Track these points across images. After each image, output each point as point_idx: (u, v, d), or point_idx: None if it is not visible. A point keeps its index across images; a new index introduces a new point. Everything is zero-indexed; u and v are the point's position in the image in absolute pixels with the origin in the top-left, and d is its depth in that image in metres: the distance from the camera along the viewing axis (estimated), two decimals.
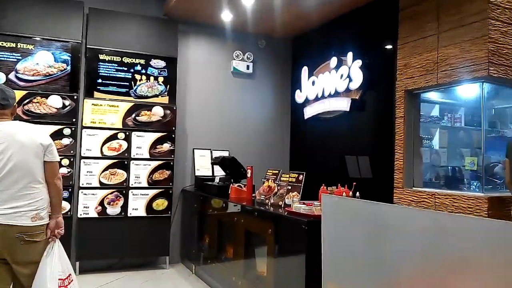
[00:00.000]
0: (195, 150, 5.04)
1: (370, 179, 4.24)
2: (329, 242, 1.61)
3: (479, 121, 4.18)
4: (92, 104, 4.49)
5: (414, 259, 1.18)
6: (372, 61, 4.26)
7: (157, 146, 4.66)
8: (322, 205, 1.65)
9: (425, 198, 3.58)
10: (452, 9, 3.42)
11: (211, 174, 4.92)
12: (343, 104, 4.54)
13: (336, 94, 4.63)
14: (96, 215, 4.41)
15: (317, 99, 4.97)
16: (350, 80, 4.39)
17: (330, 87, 4.69)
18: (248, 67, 5.35)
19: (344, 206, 1.58)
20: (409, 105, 3.87)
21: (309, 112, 5.14)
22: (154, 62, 4.72)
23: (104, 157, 4.48)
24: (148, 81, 4.70)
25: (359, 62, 4.31)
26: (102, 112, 4.52)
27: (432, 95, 4.33)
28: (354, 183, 3.24)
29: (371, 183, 4.20)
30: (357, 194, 3.18)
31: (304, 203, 3.12)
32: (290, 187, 3.50)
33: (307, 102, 5.17)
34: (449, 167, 4.58)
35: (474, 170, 4.02)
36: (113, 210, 4.47)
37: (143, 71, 4.69)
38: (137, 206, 4.57)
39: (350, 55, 4.42)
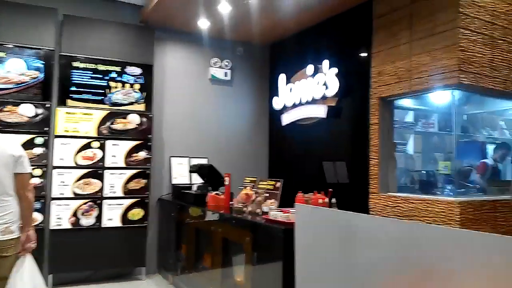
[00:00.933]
0: (172, 158, 4.98)
1: (347, 184, 4.29)
2: (302, 251, 1.61)
3: (451, 126, 4.31)
4: (66, 112, 4.39)
5: (385, 268, 1.18)
6: (347, 69, 4.32)
7: (133, 155, 4.58)
8: (295, 215, 1.65)
9: (399, 203, 3.63)
10: (424, 18, 3.51)
11: (188, 182, 4.87)
12: (320, 111, 4.58)
13: (313, 101, 4.67)
14: (69, 226, 4.29)
15: (294, 106, 5.00)
16: (327, 88, 4.44)
17: (307, 94, 4.73)
18: (226, 74, 5.34)
19: (317, 215, 1.59)
20: (383, 112, 3.93)
21: (286, 119, 5.16)
22: (129, 69, 4.66)
23: (78, 166, 4.38)
24: (124, 88, 4.63)
25: (335, 70, 4.36)
26: (76, 120, 4.42)
27: (406, 102, 4.43)
28: (330, 190, 3.27)
29: (348, 188, 4.24)
30: (333, 200, 3.21)
31: (281, 211, 3.12)
32: (267, 195, 3.50)
33: (284, 109, 5.20)
34: (424, 172, 4.68)
35: (448, 174, 4.12)
36: (87, 221, 4.36)
37: (119, 79, 4.62)
38: (112, 216, 4.47)
39: (326, 62, 4.47)
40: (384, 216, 3.74)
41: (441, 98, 4.09)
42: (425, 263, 1.10)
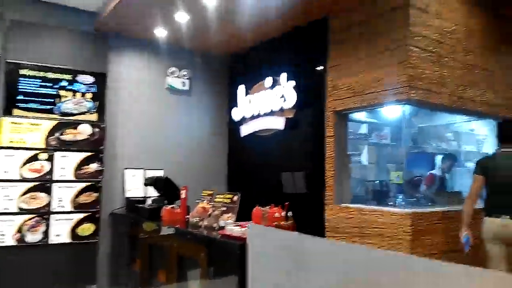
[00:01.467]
0: (126, 170, 4.81)
1: (305, 194, 4.32)
2: (254, 272, 1.58)
3: (402, 138, 4.49)
4: (11, 122, 4.12)
5: None
6: (304, 82, 4.39)
7: (84, 167, 4.38)
8: (247, 235, 1.62)
9: (353, 214, 3.71)
10: (376, 35, 3.63)
11: (143, 196, 4.72)
12: (278, 123, 4.61)
13: (272, 113, 4.70)
14: (14, 243, 4.02)
15: (253, 117, 5.00)
16: (284, 100, 4.48)
17: (266, 106, 4.75)
18: (184, 84, 5.26)
19: (269, 236, 1.56)
20: (338, 125, 4.02)
21: (245, 130, 5.15)
22: (81, 78, 4.47)
23: (24, 179, 4.11)
24: (75, 97, 4.43)
25: (292, 83, 4.41)
26: (22, 131, 4.16)
27: (360, 115, 4.56)
28: (287, 203, 3.27)
29: (306, 199, 4.27)
30: (290, 213, 3.21)
31: (238, 225, 3.08)
32: (225, 208, 3.44)
33: (244, 120, 5.19)
34: (377, 181, 4.83)
35: (400, 184, 4.27)
36: (33, 237, 4.10)
37: (69, 87, 4.41)
38: (60, 232, 4.23)
39: (284, 75, 4.51)
40: (338, 228, 3.81)
41: (393, 112, 4.24)
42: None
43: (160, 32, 4.64)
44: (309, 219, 4.02)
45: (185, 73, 5.27)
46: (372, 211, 3.56)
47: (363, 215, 3.62)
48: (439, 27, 3.64)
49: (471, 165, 5.62)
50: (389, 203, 4.03)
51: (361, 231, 3.59)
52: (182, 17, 4.19)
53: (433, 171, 4.74)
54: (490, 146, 4.87)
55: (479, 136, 5.53)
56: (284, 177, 4.59)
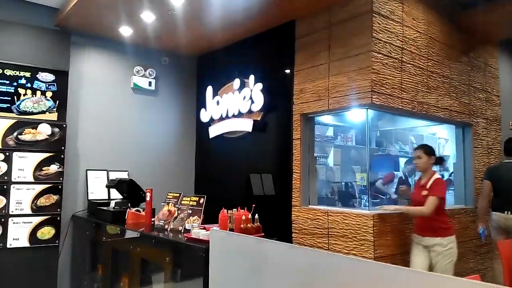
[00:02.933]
0: (88, 171, 4.66)
1: (273, 196, 4.35)
2: (216, 276, 1.57)
3: (367, 141, 4.60)
4: None
5: None
6: (272, 85, 4.41)
7: (43, 168, 4.20)
8: (210, 240, 1.61)
9: (319, 216, 3.76)
10: (341, 41, 3.71)
11: (106, 198, 4.59)
12: (246, 125, 4.61)
13: (240, 114, 4.70)
14: None
15: (221, 119, 4.98)
16: (252, 102, 4.49)
17: (234, 107, 4.74)
18: (150, 84, 5.16)
19: (231, 241, 1.56)
20: (305, 128, 4.07)
21: (213, 131, 5.12)
22: (41, 76, 4.29)
23: None
24: (34, 96, 4.25)
25: (260, 85, 4.43)
26: None
27: (326, 118, 4.64)
28: (254, 205, 3.27)
29: (274, 200, 4.30)
30: (256, 216, 3.21)
31: (204, 228, 3.05)
32: (191, 211, 3.41)
33: (212, 121, 5.16)
34: (343, 183, 4.93)
35: (364, 186, 4.38)
36: None
37: (28, 85, 4.23)
38: (18, 236, 4.05)
39: (252, 77, 4.52)
40: (305, 229, 3.86)
41: (358, 115, 4.35)
42: None
43: (125, 31, 4.54)
44: (277, 220, 4.05)
45: (151, 72, 5.17)
46: (337, 213, 3.63)
47: (329, 216, 3.69)
48: (401, 34, 3.77)
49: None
50: (354, 205, 4.12)
51: (327, 232, 3.65)
52: (148, 16, 4.11)
53: (393, 171, 4.88)
54: (450, 150, 5.08)
55: (440, 139, 5.77)
56: (253, 179, 4.60)
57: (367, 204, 3.95)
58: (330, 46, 3.80)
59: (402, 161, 5.38)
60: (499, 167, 4.33)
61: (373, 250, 3.32)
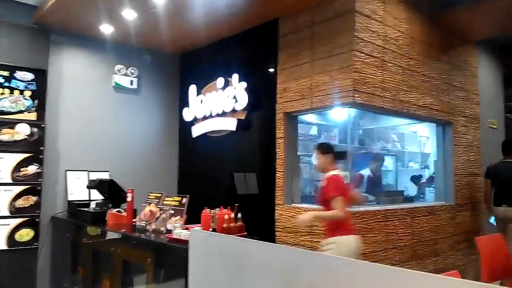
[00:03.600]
0: (68, 172, 4.56)
1: (257, 195, 4.34)
2: (196, 277, 1.55)
3: (350, 139, 4.63)
4: None
5: None
6: (256, 84, 4.40)
7: (21, 169, 4.10)
8: (190, 240, 1.59)
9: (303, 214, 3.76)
10: (324, 40, 3.72)
11: (87, 199, 4.50)
12: (230, 124, 4.59)
13: (223, 113, 4.67)
14: None
15: (205, 117, 4.94)
16: (236, 101, 4.47)
17: (218, 106, 4.71)
18: (132, 82, 5.08)
19: (211, 241, 1.55)
20: (288, 127, 4.07)
21: (197, 130, 5.08)
22: (19, 74, 4.19)
23: None
24: (12, 95, 4.14)
25: (244, 84, 4.41)
26: None
27: (310, 117, 4.66)
28: (236, 205, 3.26)
29: (258, 199, 4.29)
30: (239, 215, 3.20)
31: (186, 228, 3.03)
32: (173, 211, 3.37)
33: (195, 120, 5.11)
34: None
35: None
36: None
37: (6, 84, 4.12)
38: None
39: (236, 76, 4.50)
40: (288, 227, 3.86)
41: (340, 114, 4.38)
42: None
43: (106, 29, 4.46)
44: (260, 219, 4.04)
45: (133, 71, 5.10)
46: (320, 211, 3.63)
47: None
48: (383, 34, 3.80)
49: (413, 165, 5.94)
50: None
51: (310, 230, 3.66)
52: (129, 14, 4.05)
53: (361, 172, 4.88)
54: (431, 147, 5.16)
55: (421, 137, 5.85)
56: (236, 178, 4.58)
57: None
58: (313, 45, 3.81)
59: (386, 158, 5.44)
60: (497, 166, 4.72)
61: None
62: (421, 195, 5.23)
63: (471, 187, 4.93)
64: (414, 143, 5.89)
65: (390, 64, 3.87)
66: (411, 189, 5.41)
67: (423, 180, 5.46)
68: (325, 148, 3.24)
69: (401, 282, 1.01)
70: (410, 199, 4.56)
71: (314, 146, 3.35)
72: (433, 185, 4.91)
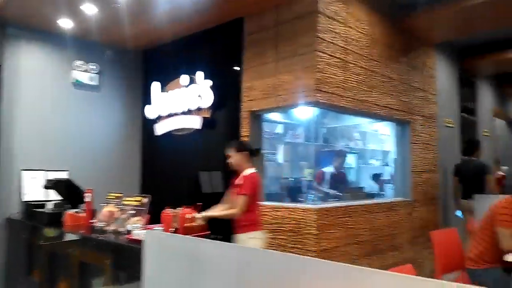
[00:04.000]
0: (23, 171, 4.37)
1: (222, 194, 4.31)
2: (151, 279, 1.53)
3: (314, 137, 4.70)
4: None
5: None
6: (221, 82, 4.38)
7: None
8: (144, 241, 1.57)
9: (267, 212, 3.80)
10: (288, 40, 3.75)
11: (44, 199, 4.32)
12: (194, 122, 4.55)
13: (188, 111, 4.62)
14: None
15: (169, 115, 4.87)
16: (201, 99, 4.43)
17: (182, 104, 4.65)
18: (92, 79, 4.92)
19: (165, 242, 1.53)
20: (253, 125, 4.09)
21: (161, 128, 5.00)
22: None
23: None
24: None
25: (209, 82, 4.38)
26: None
27: (275, 116, 4.69)
28: (200, 204, 3.23)
29: (223, 198, 4.26)
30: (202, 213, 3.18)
31: (146, 228, 2.97)
32: (134, 212, 3.30)
33: (159, 118, 5.02)
34: (292, 178, 5.01)
35: (311, 181, 4.48)
36: None
37: None
38: None
39: (201, 74, 4.46)
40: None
41: (305, 113, 4.43)
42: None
43: (65, 23, 4.30)
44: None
45: (93, 67, 4.94)
46: (284, 208, 3.68)
47: (276, 212, 3.73)
48: (345, 35, 3.87)
49: (374, 162, 6.11)
50: (302, 200, 4.21)
51: (275, 228, 3.69)
52: (89, 8, 3.92)
53: (322, 169, 4.99)
54: (391, 145, 5.32)
55: (382, 136, 6.02)
56: (202, 176, 4.55)
57: (313, 199, 4.03)
58: (277, 44, 3.83)
59: (349, 156, 5.56)
60: (462, 164, 5.32)
61: (316, 243, 3.41)
62: (381, 192, 5.39)
63: (428, 183, 5.14)
64: (376, 141, 6.06)
65: (352, 65, 3.96)
66: (372, 186, 5.57)
67: (383, 177, 5.63)
68: (240, 146, 3.26)
69: (348, 279, 1.04)
70: (371, 196, 4.70)
71: (229, 144, 3.30)
72: (392, 182, 5.08)
